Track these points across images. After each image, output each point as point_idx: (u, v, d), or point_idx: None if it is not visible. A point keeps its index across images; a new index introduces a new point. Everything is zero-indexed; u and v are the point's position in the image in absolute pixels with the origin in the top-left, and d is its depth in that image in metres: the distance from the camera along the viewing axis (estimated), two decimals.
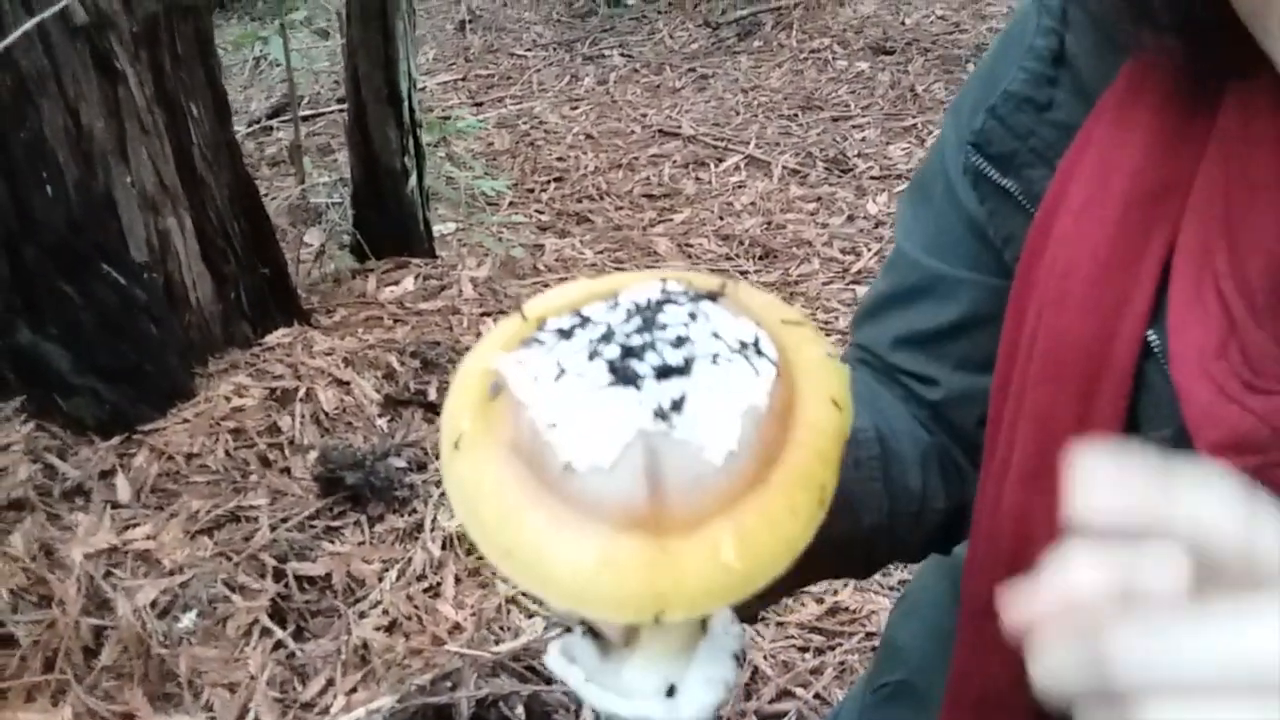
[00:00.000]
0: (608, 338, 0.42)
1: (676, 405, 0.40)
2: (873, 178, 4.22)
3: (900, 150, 4.47)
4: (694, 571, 0.39)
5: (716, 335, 0.42)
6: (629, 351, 0.41)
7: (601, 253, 3.90)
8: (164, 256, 2.28)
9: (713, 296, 0.45)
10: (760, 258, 3.64)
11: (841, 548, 0.68)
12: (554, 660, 0.49)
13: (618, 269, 3.54)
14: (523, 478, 0.40)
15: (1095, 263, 0.60)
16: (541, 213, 4.28)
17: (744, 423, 0.40)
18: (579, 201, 4.34)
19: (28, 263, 2.03)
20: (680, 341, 0.42)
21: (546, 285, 3.21)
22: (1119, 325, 0.59)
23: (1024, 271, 0.65)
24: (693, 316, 0.43)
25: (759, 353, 0.42)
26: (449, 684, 1.69)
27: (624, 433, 0.39)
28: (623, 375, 0.40)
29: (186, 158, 2.33)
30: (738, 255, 3.71)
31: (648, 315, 0.43)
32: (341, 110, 5.36)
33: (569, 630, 0.51)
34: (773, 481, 0.41)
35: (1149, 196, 0.58)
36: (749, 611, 0.61)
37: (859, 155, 4.46)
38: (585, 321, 0.43)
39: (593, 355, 0.41)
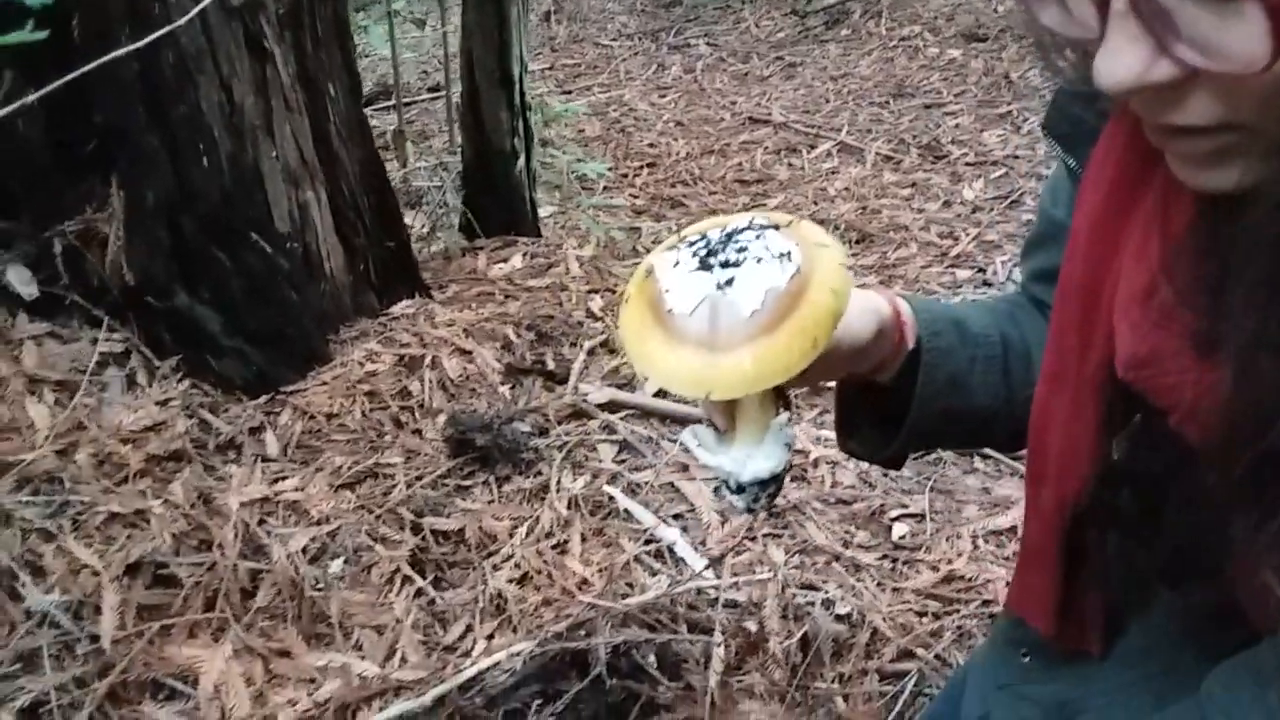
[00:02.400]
0: (706, 246, 0.76)
1: (730, 282, 0.73)
2: (968, 164, 4.22)
3: (995, 137, 4.46)
4: (727, 370, 0.72)
5: (767, 248, 0.74)
6: (711, 253, 0.75)
7: None
8: (303, 228, 2.40)
9: (776, 227, 0.78)
10: (856, 241, 3.68)
11: (950, 416, 0.97)
12: (685, 437, 0.86)
13: None
14: (650, 318, 0.76)
15: (1091, 225, 0.78)
16: (636, 197, 4.35)
17: (767, 296, 0.72)
18: (672, 186, 4.41)
19: (185, 232, 2.16)
20: (743, 249, 0.75)
21: None
22: (1106, 274, 0.76)
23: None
24: (757, 237, 0.76)
25: (789, 259, 0.74)
26: (583, 632, 1.77)
27: (699, 295, 0.73)
28: (704, 265, 0.74)
29: (324, 135, 2.45)
30: None
31: (734, 232, 0.77)
32: (434, 98, 5.53)
33: (698, 424, 0.87)
34: (779, 332, 0.72)
35: (1132, 171, 0.74)
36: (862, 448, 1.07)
37: (953, 142, 4.46)
38: (701, 236, 0.77)
39: (694, 254, 0.76)
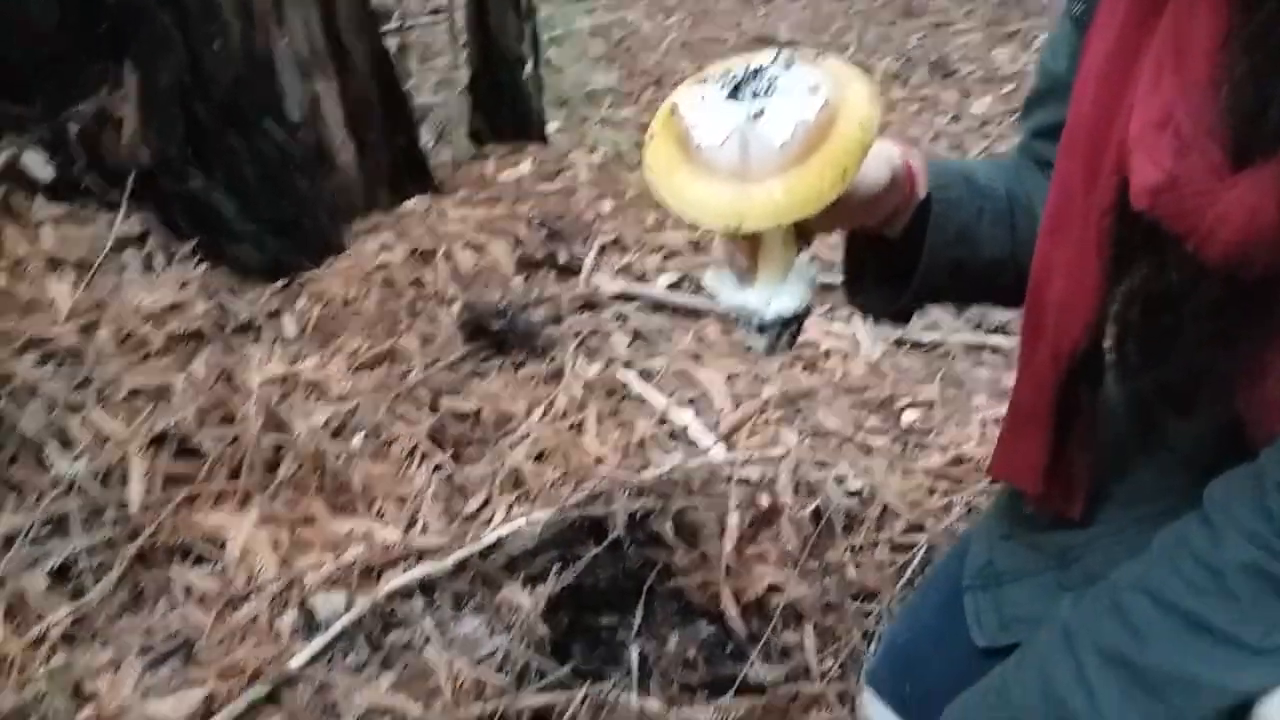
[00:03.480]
0: (734, 79, 0.76)
1: (760, 114, 0.73)
2: (977, 80, 4.20)
3: (1005, 54, 4.44)
4: (759, 201, 0.73)
5: (795, 81, 0.75)
6: (739, 86, 0.75)
7: None
8: (315, 118, 2.40)
9: (802, 61, 0.78)
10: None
11: (958, 268, 0.99)
12: (708, 278, 0.87)
13: None
14: (677, 153, 0.75)
15: (1101, 66, 0.81)
16: (643, 115, 4.33)
17: (796, 128, 0.73)
18: None
19: (199, 115, 2.16)
20: (771, 81, 0.75)
21: None
22: (1116, 113, 0.78)
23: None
24: (785, 69, 0.76)
25: (816, 92, 0.74)
26: (600, 501, 1.81)
27: (728, 128, 0.73)
28: (733, 96, 0.75)
29: (333, 25, 2.44)
30: None
31: (760, 69, 0.76)
32: (434, 22, 5.46)
33: (720, 268, 0.88)
34: (810, 162, 0.73)
35: (1143, 8, 0.78)
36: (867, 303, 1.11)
37: (962, 59, 4.43)
38: (727, 73, 0.77)
39: (723, 88, 0.75)
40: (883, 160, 0.93)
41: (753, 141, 0.74)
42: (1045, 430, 1.01)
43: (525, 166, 3.22)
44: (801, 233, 0.89)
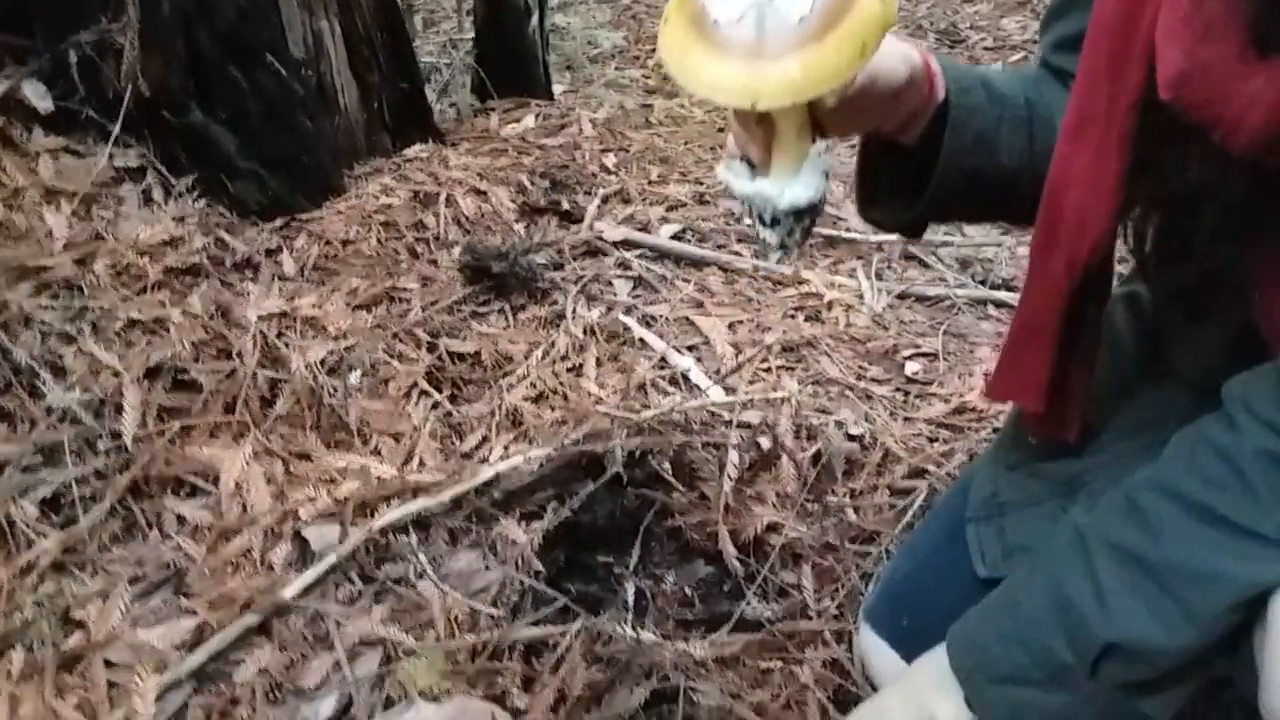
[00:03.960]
0: None
1: None
2: (986, 49, 4.17)
3: (1015, 23, 4.40)
4: (775, 78, 0.71)
5: None
6: None
7: (711, 112, 3.91)
8: (318, 57, 2.37)
9: None
10: None
11: (975, 176, 0.98)
12: (721, 170, 0.87)
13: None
14: (692, 33, 0.75)
15: None
16: (648, 77, 4.29)
17: (815, 2, 0.71)
18: None
19: (202, 47, 2.13)
20: None
21: (661, 136, 3.25)
22: (1143, 11, 0.77)
23: None
24: None
25: None
26: (599, 439, 1.79)
27: (745, 2, 0.72)
28: None
29: None
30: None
31: None
32: None
33: (733, 160, 0.88)
34: (827, 38, 0.71)
35: None
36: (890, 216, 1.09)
37: (971, 28, 4.40)
38: None
39: None
40: (900, 57, 0.91)
41: (769, 17, 0.72)
42: (1051, 344, 1.00)
43: (529, 121, 3.19)
44: (817, 123, 0.86)
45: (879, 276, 2.44)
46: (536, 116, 3.23)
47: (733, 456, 1.76)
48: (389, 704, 1.46)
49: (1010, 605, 0.94)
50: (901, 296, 2.38)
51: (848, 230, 2.60)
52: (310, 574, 1.64)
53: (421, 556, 1.67)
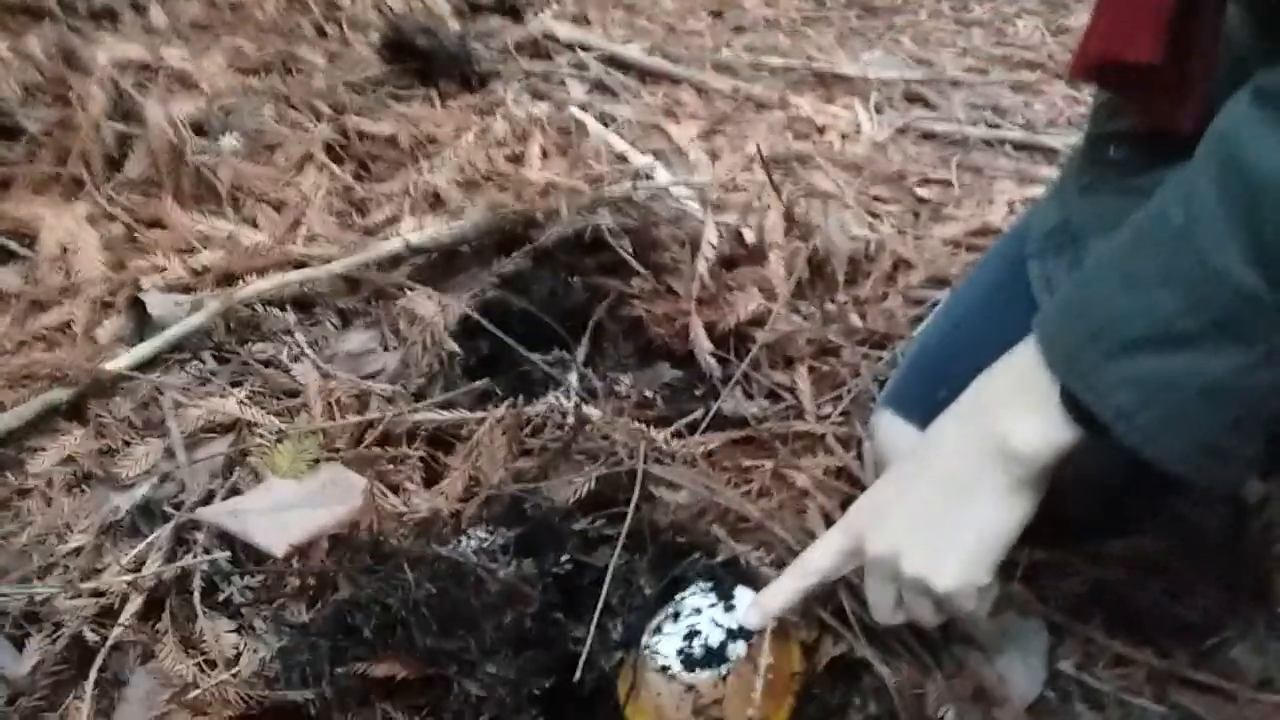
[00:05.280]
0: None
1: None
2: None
3: None
4: None
5: None
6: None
7: None
8: None
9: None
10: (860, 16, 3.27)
11: None
12: None
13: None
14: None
15: None
16: None
17: None
18: None
19: None
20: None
21: None
22: None
23: None
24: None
25: None
26: (540, 214, 1.39)
27: None
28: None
29: None
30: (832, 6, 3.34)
31: None
32: None
33: None
34: None
35: None
36: None
37: None
38: None
39: None
40: None
41: None
42: None
43: None
44: None
45: (879, 110, 2.08)
46: None
47: (710, 235, 1.36)
48: (235, 494, 1.05)
49: (1135, 244, 0.67)
50: (902, 130, 2.02)
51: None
52: (146, 347, 1.23)
53: (299, 336, 1.27)
